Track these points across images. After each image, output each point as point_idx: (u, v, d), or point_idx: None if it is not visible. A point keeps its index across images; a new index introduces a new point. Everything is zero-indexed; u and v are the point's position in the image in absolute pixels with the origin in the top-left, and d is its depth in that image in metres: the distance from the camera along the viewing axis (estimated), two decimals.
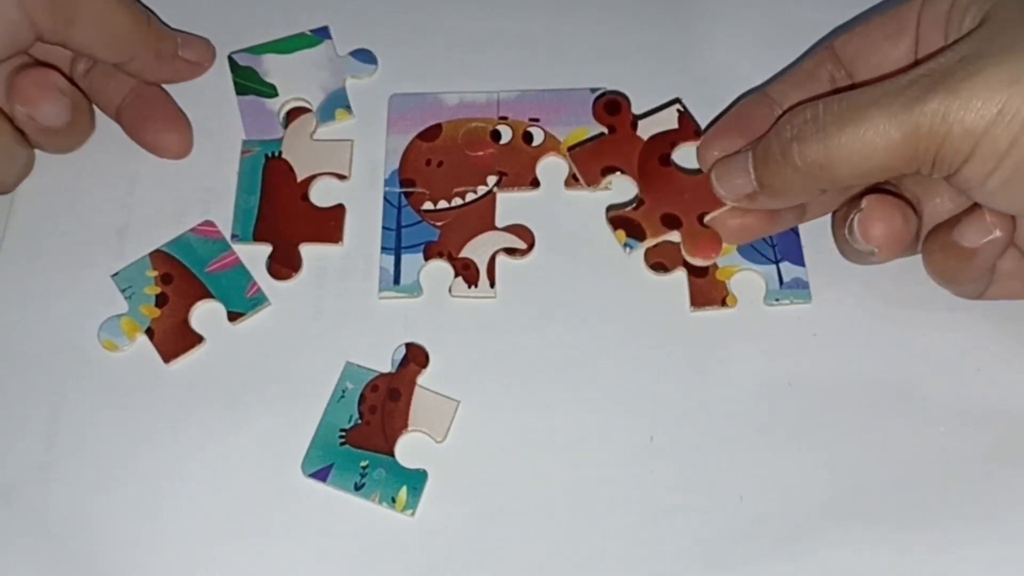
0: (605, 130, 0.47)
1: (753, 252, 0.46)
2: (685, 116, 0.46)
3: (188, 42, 0.50)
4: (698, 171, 0.45)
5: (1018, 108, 0.34)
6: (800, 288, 0.45)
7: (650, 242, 0.45)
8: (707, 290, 0.45)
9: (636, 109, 0.48)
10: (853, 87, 0.42)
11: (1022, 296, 0.43)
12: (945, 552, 0.40)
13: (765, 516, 0.41)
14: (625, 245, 0.45)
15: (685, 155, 0.47)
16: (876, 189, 0.42)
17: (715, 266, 0.45)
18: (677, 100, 0.46)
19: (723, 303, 0.45)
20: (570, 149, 0.47)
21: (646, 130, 0.46)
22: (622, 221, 0.45)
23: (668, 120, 0.46)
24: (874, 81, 0.39)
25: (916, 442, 0.42)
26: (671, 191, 0.45)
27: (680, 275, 0.45)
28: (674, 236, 0.45)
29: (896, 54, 0.42)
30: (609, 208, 0.46)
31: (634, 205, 0.45)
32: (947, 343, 0.43)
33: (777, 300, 0.45)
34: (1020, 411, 0.42)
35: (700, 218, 0.44)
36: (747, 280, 0.45)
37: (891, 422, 0.42)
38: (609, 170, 0.46)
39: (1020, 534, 0.40)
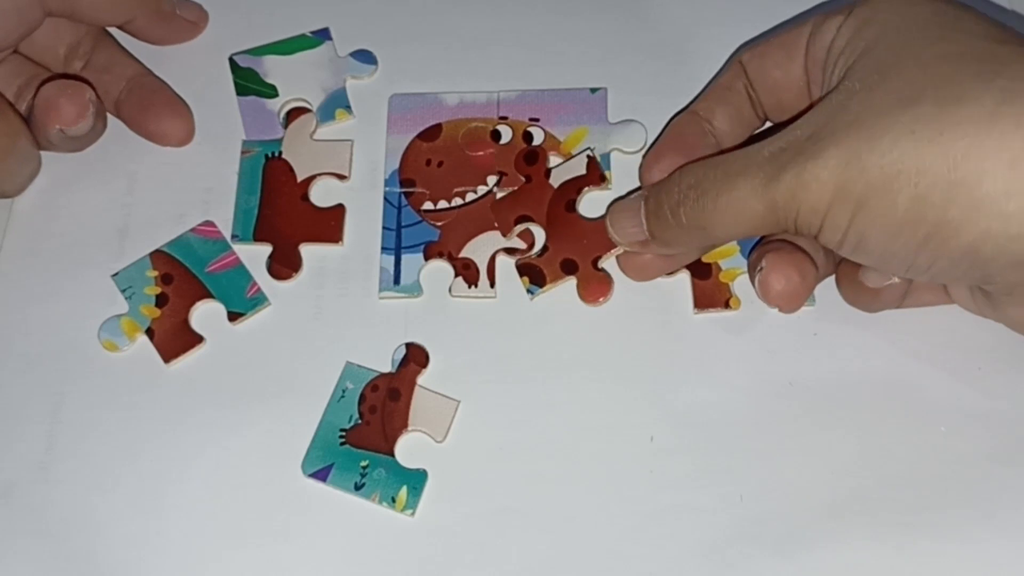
0: (524, 179, 0.47)
1: None
2: (593, 163, 0.47)
3: (183, 4, 0.52)
4: (600, 217, 0.45)
5: (850, 190, 0.35)
6: None
7: (549, 288, 0.45)
8: (711, 292, 0.45)
9: (633, 110, 0.48)
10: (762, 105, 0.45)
11: (934, 304, 0.44)
12: (945, 552, 0.40)
13: (765, 516, 0.41)
14: (528, 291, 0.45)
15: (589, 200, 0.47)
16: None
17: (719, 268, 0.45)
18: (589, 149, 0.48)
19: (726, 305, 0.45)
20: (490, 204, 0.47)
21: (558, 178, 0.47)
22: (526, 268, 0.46)
23: (577, 167, 0.47)
24: (770, 112, 0.44)
25: (916, 442, 0.42)
26: (572, 237, 0.46)
27: (683, 276, 0.45)
28: (571, 281, 0.45)
29: (787, 81, 0.43)
30: (519, 256, 0.46)
31: (539, 252, 0.46)
32: (947, 343, 0.43)
33: None
34: (1020, 411, 0.42)
35: (595, 262, 0.45)
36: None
37: (891, 422, 0.42)
38: (522, 219, 0.46)
39: (1020, 534, 0.40)
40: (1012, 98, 0.33)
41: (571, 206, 0.46)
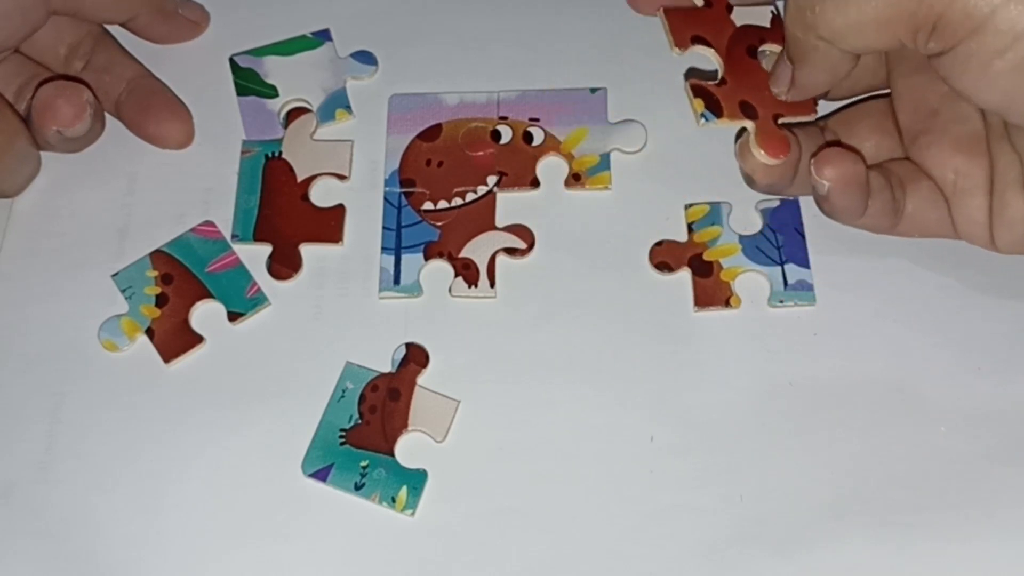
0: (700, 2, 0.44)
1: (759, 253, 0.46)
2: (777, 20, 0.44)
3: (185, 3, 0.52)
4: None
5: None
6: (804, 290, 0.45)
7: (725, 122, 0.42)
8: (711, 290, 0.45)
9: (633, 110, 0.49)
10: None
11: (931, 234, 0.43)
12: (945, 552, 0.40)
13: (765, 516, 0.41)
14: (702, 115, 0.42)
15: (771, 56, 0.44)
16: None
17: (719, 266, 0.45)
18: (772, 6, 0.45)
19: (727, 304, 0.45)
20: (665, 9, 0.43)
21: (740, 19, 0.44)
22: (703, 91, 0.42)
23: (762, 17, 0.44)
24: None
25: (916, 442, 0.42)
26: (753, 82, 0.43)
27: (684, 275, 0.45)
28: (749, 125, 0.42)
29: None
30: (690, 73, 0.43)
31: (716, 82, 0.43)
32: (947, 343, 0.43)
33: (781, 302, 0.45)
34: (1020, 411, 0.42)
35: (775, 117, 0.43)
36: (752, 281, 0.45)
37: (891, 422, 0.42)
38: (699, 40, 0.43)
39: (1020, 533, 0.40)
40: None
41: (753, 52, 0.43)
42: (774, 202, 0.47)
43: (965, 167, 0.42)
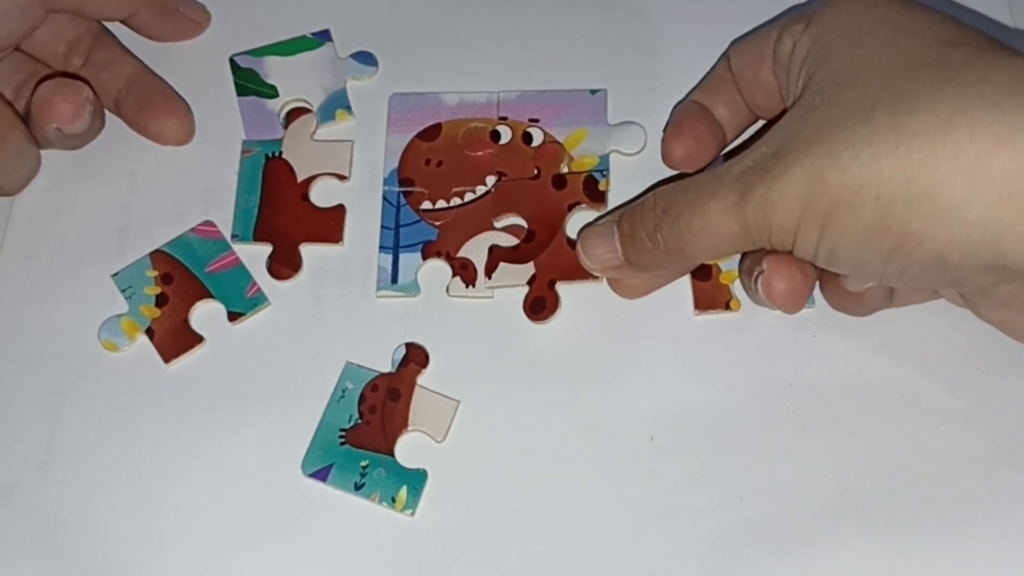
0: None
1: None
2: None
3: (186, 1, 0.52)
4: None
5: (816, 206, 0.35)
6: None
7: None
8: (711, 293, 0.45)
9: (633, 111, 0.49)
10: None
11: (924, 301, 0.44)
12: (946, 552, 0.40)
13: (765, 516, 0.41)
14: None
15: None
16: None
17: (719, 269, 0.45)
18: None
19: (727, 306, 0.45)
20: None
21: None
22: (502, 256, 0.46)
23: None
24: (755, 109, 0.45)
25: (916, 442, 0.42)
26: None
27: (683, 278, 0.45)
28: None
29: (758, 81, 0.44)
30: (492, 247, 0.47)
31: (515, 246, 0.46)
32: (947, 343, 0.43)
33: None
34: (1020, 411, 0.42)
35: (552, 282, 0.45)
36: None
37: (891, 422, 0.42)
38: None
39: (1021, 534, 0.40)
40: (965, 105, 0.33)
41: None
42: None
43: None
